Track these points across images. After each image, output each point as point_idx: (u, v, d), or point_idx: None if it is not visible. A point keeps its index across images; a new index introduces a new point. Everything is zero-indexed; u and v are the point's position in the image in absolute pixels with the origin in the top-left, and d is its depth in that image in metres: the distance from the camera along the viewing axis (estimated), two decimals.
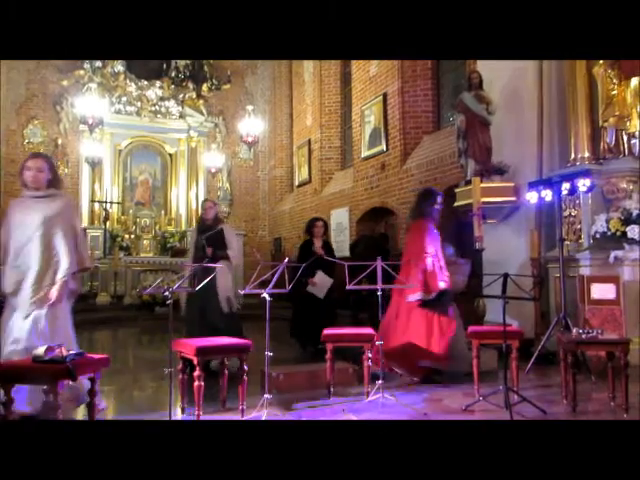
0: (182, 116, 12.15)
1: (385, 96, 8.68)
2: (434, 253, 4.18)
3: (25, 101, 11.27)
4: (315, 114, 11.28)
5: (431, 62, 8.31)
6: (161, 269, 10.80)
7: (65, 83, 11.34)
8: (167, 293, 2.68)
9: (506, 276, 3.21)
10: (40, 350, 2.53)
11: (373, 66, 9.09)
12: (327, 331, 3.91)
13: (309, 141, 11.49)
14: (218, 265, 4.15)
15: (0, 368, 2.46)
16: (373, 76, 9.10)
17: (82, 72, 11.38)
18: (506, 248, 5.59)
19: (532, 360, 4.44)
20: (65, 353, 2.55)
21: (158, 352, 6.44)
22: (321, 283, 5.68)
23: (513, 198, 5.67)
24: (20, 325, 3.00)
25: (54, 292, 3.04)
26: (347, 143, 10.68)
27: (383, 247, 7.58)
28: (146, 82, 12.00)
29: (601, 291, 4.27)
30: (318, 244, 5.85)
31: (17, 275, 3.05)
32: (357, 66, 9.64)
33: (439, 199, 4.42)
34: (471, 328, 3.81)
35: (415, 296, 4.07)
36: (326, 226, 6.13)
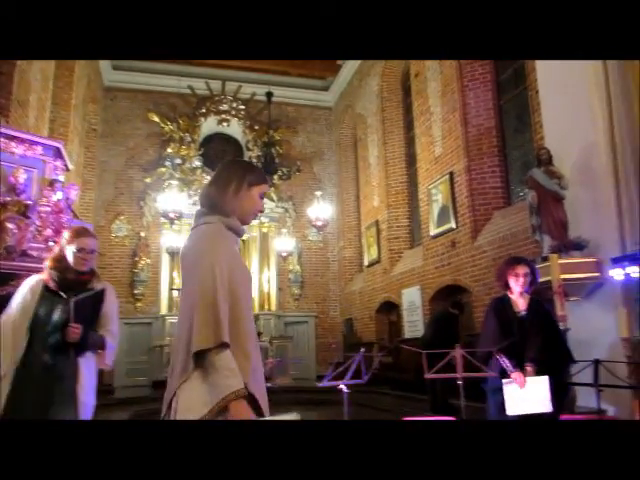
0: None
1: (452, 175, 8.75)
2: None
3: (113, 199, 12.27)
4: (382, 195, 11.49)
5: (497, 139, 8.37)
6: None
7: (148, 180, 12.31)
8: None
9: (597, 363, 3.01)
10: None
11: (438, 146, 9.26)
12: (407, 420, 3.76)
13: (377, 221, 11.64)
14: None
15: None
16: (438, 156, 9.24)
17: (163, 169, 12.34)
18: (592, 327, 5.26)
19: None
20: None
21: None
22: (533, 389, 3.03)
23: (596, 274, 5.39)
24: None
25: None
26: (415, 222, 10.72)
27: (453, 329, 7.19)
28: None
29: None
30: (521, 303, 3.39)
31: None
32: (422, 147, 9.85)
33: None
34: (563, 417, 3.54)
35: None
36: (534, 274, 3.43)
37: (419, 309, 9.64)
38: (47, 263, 2.69)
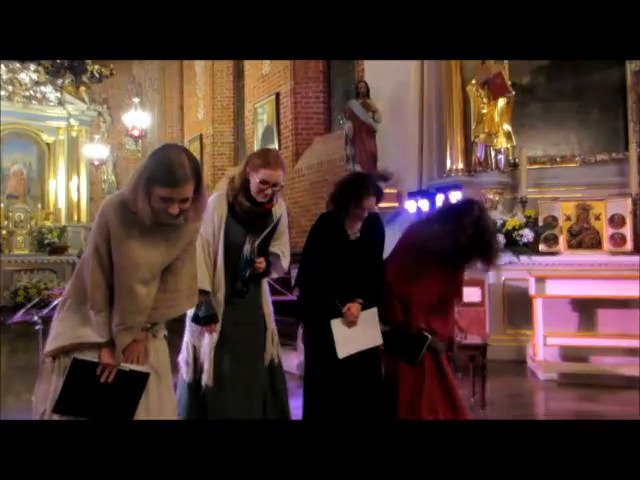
0: (61, 103, 11.29)
1: (278, 95, 8.72)
2: None
3: None
4: (207, 108, 11.05)
5: (322, 65, 8.48)
6: (37, 268, 10.05)
7: None
8: (36, 318, 2.51)
9: None
10: None
11: (266, 65, 9.08)
12: None
13: (201, 136, 11.24)
14: None
15: None
16: (266, 75, 9.09)
17: None
18: (388, 251, 5.89)
19: None
20: None
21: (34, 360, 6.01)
22: (349, 331, 2.63)
23: (395, 204, 5.98)
24: None
25: None
26: (240, 139, 10.59)
27: None
28: (19, 64, 11.00)
29: (468, 294, 4.64)
30: (353, 227, 2.77)
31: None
32: (250, 64, 9.57)
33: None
34: None
35: None
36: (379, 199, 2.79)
37: None
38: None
